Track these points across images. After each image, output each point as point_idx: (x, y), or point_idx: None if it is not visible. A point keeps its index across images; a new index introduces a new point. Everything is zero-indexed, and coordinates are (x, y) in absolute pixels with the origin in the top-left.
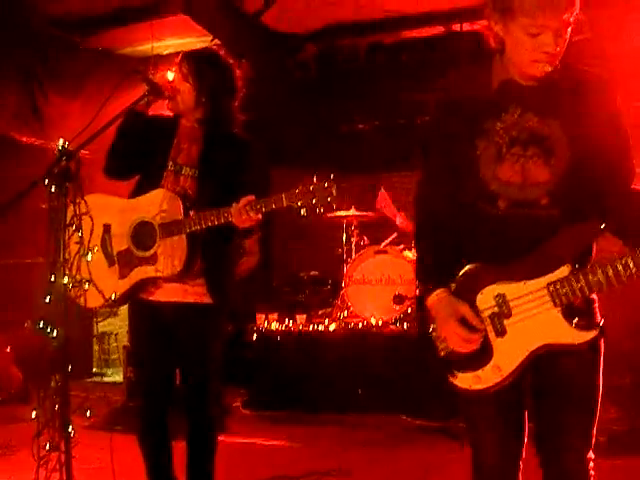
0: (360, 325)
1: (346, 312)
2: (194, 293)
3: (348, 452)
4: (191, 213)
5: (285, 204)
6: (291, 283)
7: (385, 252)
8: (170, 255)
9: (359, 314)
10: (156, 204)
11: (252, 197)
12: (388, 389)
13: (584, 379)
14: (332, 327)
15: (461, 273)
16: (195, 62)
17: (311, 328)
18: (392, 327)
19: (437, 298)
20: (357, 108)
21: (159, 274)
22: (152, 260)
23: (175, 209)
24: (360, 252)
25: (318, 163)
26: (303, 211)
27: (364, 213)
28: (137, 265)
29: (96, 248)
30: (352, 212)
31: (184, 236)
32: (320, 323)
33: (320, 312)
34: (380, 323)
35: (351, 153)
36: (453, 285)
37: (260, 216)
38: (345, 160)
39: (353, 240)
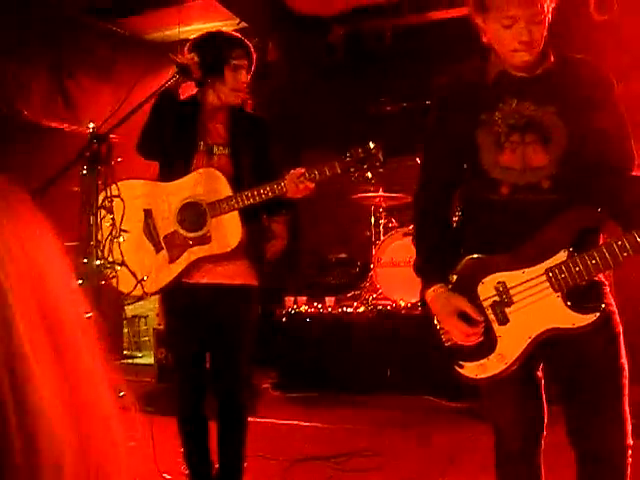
0: (389, 307)
1: (375, 294)
2: (228, 275)
3: (378, 433)
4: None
5: (339, 171)
6: (319, 265)
7: None
8: (224, 232)
9: (388, 296)
10: (200, 183)
11: (303, 168)
12: (416, 371)
13: (597, 360)
14: (361, 309)
15: (461, 264)
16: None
17: (340, 310)
18: (421, 309)
19: (434, 294)
20: (384, 90)
21: (215, 251)
22: (206, 239)
23: (222, 186)
24: (388, 234)
25: (345, 145)
26: (354, 178)
27: (392, 195)
28: (189, 247)
29: (128, 233)
30: (380, 194)
31: (237, 213)
32: (349, 305)
33: (349, 294)
34: (409, 305)
35: (378, 135)
36: (454, 277)
37: (314, 185)
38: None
39: (381, 222)
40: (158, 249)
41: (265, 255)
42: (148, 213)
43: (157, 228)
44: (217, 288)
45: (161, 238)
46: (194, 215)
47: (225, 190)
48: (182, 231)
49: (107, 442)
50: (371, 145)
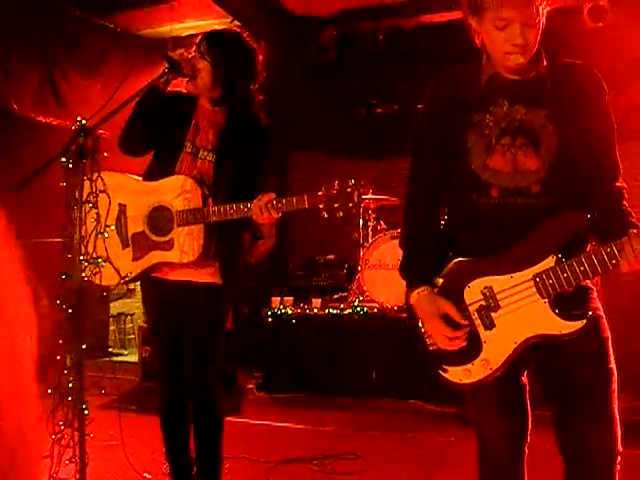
0: (375, 310)
1: (361, 296)
2: (204, 273)
3: (362, 436)
4: (209, 201)
5: (307, 205)
6: (307, 267)
7: None
8: (187, 243)
9: (374, 299)
10: (176, 190)
11: (273, 195)
12: (402, 374)
13: (586, 365)
14: (347, 311)
15: (448, 268)
16: (213, 40)
17: (326, 312)
18: (406, 312)
19: (418, 296)
20: (376, 92)
21: (175, 260)
22: (168, 246)
23: (195, 198)
24: (377, 237)
25: (336, 147)
26: (324, 213)
27: (381, 197)
28: (152, 249)
29: (112, 227)
30: (370, 196)
31: (202, 226)
32: (335, 307)
33: (335, 296)
34: (395, 308)
35: (369, 137)
36: (440, 280)
37: (279, 214)
38: (363, 144)
39: (370, 224)
40: (125, 245)
41: (245, 258)
42: (122, 208)
43: (127, 224)
44: (184, 285)
45: (129, 235)
46: (163, 219)
47: (196, 202)
48: (149, 233)
49: (23, 417)
50: (350, 182)
